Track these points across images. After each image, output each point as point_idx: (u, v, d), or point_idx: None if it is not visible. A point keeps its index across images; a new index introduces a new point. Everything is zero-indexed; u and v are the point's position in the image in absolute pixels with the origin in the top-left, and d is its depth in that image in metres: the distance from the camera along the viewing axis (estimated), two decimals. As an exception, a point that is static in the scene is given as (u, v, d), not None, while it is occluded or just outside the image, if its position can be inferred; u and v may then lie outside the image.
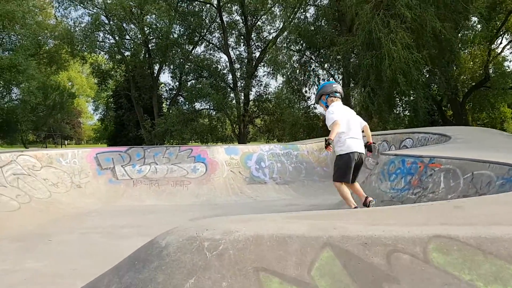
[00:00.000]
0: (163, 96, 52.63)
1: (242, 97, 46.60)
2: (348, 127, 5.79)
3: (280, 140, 49.81)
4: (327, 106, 6.02)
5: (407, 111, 33.05)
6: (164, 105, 51.96)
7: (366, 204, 5.50)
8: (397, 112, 32.43)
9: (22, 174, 12.26)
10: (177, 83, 50.09)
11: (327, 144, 5.49)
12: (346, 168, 5.67)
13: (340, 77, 37.06)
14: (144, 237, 3.93)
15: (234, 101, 45.94)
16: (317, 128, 40.15)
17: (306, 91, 40.71)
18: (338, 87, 6.20)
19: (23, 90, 36.61)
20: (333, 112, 5.79)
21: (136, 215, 11.33)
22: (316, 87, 34.61)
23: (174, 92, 50.20)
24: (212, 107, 45.54)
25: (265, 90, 47.00)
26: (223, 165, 14.89)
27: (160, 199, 13.66)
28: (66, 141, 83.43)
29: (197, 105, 47.03)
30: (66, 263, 6.78)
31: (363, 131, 6.10)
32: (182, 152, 15.13)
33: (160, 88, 53.22)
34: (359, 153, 5.75)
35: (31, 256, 7.24)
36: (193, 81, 47.98)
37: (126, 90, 47.60)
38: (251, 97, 47.72)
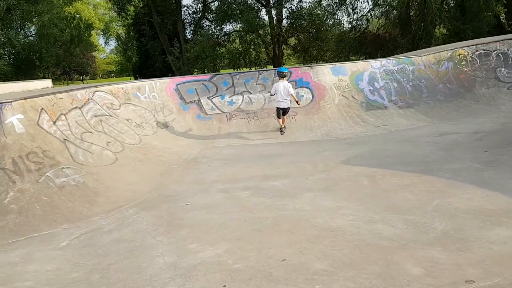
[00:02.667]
0: (186, 21, 48.49)
1: (274, 16, 42.66)
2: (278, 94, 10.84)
3: (316, 61, 46.32)
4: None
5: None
6: (188, 30, 48.20)
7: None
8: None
9: (103, 115, 9.68)
10: (200, 5, 45.97)
11: None
12: (278, 112, 11.05)
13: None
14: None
15: (266, 19, 42.10)
16: (367, 43, 36.55)
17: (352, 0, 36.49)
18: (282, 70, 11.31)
19: (43, 22, 33.19)
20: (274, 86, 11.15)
21: (255, 158, 8.87)
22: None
23: (199, 15, 46.18)
24: (243, 29, 41.67)
25: (298, 5, 42.39)
26: (332, 89, 12.09)
27: (266, 135, 11.09)
28: (82, 77, 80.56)
29: (227, 28, 43.34)
30: (252, 242, 4.42)
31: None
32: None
33: (182, 12, 48.84)
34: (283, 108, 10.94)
35: (189, 235, 4.88)
36: (217, 2, 43.61)
37: (147, 17, 43.75)
38: (284, 14, 43.59)
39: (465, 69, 13.52)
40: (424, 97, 12.64)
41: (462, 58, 13.67)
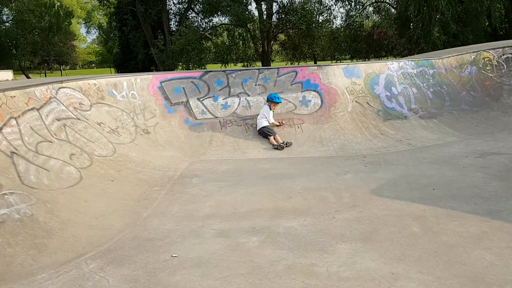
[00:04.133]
0: (171, 12, 46.16)
1: (264, 10, 40.94)
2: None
3: (305, 59, 44.66)
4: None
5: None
6: (172, 22, 45.89)
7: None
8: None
9: (68, 118, 7.74)
10: (186, -5, 43.75)
11: None
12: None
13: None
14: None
15: (256, 13, 40.28)
16: (361, 38, 35.01)
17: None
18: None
19: (19, 8, 30.60)
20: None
21: (259, 180, 7.08)
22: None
23: (185, 6, 43.97)
24: (231, 22, 39.77)
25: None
26: (344, 93, 10.33)
27: (268, 147, 9.27)
28: (61, 67, 77.44)
29: (215, 20, 41.35)
30: None
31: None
32: (282, 76, 10.49)
33: (167, 2, 46.40)
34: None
35: None
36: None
37: (130, 5, 41.36)
38: (274, 9, 41.81)
39: (491, 74, 11.93)
40: (447, 106, 10.99)
41: (487, 62, 12.07)
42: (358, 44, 34.65)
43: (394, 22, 31.48)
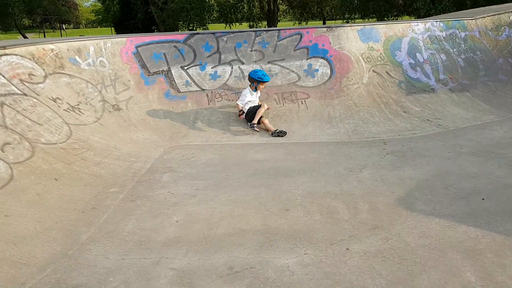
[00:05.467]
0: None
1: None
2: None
3: (314, 19, 42.05)
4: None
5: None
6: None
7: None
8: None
9: (10, 94, 6.06)
10: None
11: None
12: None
13: None
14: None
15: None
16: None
17: None
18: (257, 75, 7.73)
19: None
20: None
21: (247, 178, 5.48)
22: None
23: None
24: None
25: None
26: (360, 61, 8.50)
27: (261, 131, 7.56)
28: (64, 25, 74.85)
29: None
30: None
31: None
32: (283, 39, 8.65)
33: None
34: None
35: None
36: None
37: (128, -43, 38.71)
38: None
39: (534, 38, 9.97)
40: (482, 76, 9.14)
41: (530, 23, 10.08)
42: (371, 2, 32.02)
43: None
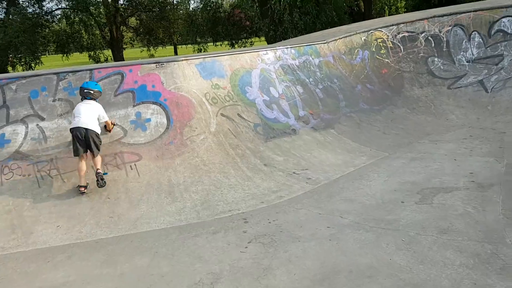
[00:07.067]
0: (-5, -5, 37.68)
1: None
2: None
3: (161, 44, 40.26)
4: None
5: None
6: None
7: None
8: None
9: None
10: (12, -25, 35.86)
11: None
12: (74, 144, 5.56)
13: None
14: None
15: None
16: (223, 20, 31.65)
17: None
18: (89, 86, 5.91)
19: None
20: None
21: None
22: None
23: (9, -13, 35.97)
24: (69, 7, 33.72)
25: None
26: (204, 103, 6.69)
27: (70, 221, 5.20)
28: None
29: (49, 5, 34.73)
30: None
31: None
32: (101, 80, 6.40)
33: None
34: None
35: None
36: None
37: None
38: (121, -11, 36.57)
39: (387, 60, 9.36)
40: (343, 107, 8.05)
41: (381, 44, 9.46)
42: (219, 26, 31.26)
43: (253, 1, 28.69)
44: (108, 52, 36.71)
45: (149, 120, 6.35)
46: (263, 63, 7.66)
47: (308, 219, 4.72)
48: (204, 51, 33.70)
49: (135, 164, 5.92)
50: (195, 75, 6.83)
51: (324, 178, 5.93)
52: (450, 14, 9.52)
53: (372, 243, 4.04)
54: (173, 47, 47.61)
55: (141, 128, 6.28)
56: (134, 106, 6.41)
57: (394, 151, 6.84)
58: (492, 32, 9.01)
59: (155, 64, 6.66)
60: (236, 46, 32.53)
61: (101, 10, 34.99)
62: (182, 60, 6.83)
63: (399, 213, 4.65)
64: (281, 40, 19.78)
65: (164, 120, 6.36)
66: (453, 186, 5.24)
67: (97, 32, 36.50)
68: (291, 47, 8.25)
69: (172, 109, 6.44)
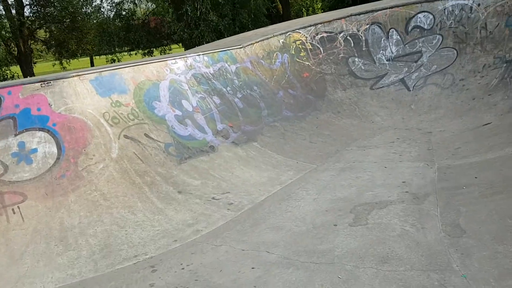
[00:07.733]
0: None
1: (12, 2, 32.87)
2: None
3: (74, 56, 37.94)
4: None
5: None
6: None
7: None
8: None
9: None
10: None
11: None
12: None
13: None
14: None
15: (1, 7, 31.90)
16: (136, 27, 30.19)
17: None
18: None
19: None
20: None
21: None
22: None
23: None
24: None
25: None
26: (102, 125, 5.71)
27: None
28: None
29: None
30: None
31: None
32: (-33, 109, 5.22)
33: None
34: None
35: None
36: None
37: None
38: (26, 1, 33.92)
39: (307, 63, 8.90)
40: (265, 117, 7.42)
41: (300, 46, 8.98)
42: (134, 34, 29.80)
43: (169, 6, 27.63)
44: (16, 68, 33.94)
45: (35, 150, 5.27)
46: (172, 73, 6.82)
47: (229, 259, 3.96)
48: (117, 61, 32.11)
49: (18, 207, 4.83)
50: (90, 93, 5.83)
51: (248, 202, 5.21)
52: (367, 12, 9.26)
53: (304, 285, 3.37)
54: (89, 58, 45.17)
55: (25, 161, 5.18)
56: (16, 135, 5.29)
57: (322, 162, 6.29)
58: (409, 29, 8.85)
59: (39, 83, 5.58)
60: (154, 54, 31.28)
61: (4, 22, 32.34)
62: (73, 76, 5.80)
63: (332, 240, 4.03)
64: (198, 45, 18.99)
65: (54, 149, 5.31)
66: (387, 199, 4.74)
67: (2, 46, 33.67)
68: (203, 54, 7.48)
69: (63, 135, 5.40)
